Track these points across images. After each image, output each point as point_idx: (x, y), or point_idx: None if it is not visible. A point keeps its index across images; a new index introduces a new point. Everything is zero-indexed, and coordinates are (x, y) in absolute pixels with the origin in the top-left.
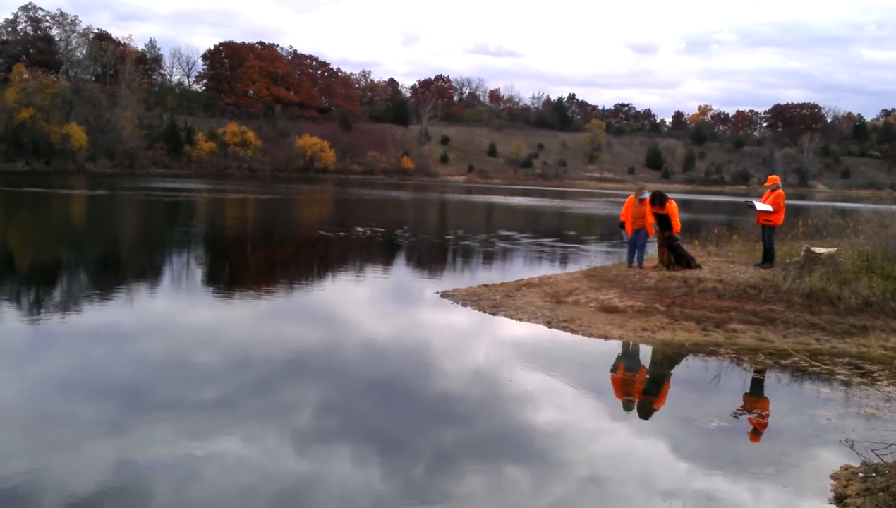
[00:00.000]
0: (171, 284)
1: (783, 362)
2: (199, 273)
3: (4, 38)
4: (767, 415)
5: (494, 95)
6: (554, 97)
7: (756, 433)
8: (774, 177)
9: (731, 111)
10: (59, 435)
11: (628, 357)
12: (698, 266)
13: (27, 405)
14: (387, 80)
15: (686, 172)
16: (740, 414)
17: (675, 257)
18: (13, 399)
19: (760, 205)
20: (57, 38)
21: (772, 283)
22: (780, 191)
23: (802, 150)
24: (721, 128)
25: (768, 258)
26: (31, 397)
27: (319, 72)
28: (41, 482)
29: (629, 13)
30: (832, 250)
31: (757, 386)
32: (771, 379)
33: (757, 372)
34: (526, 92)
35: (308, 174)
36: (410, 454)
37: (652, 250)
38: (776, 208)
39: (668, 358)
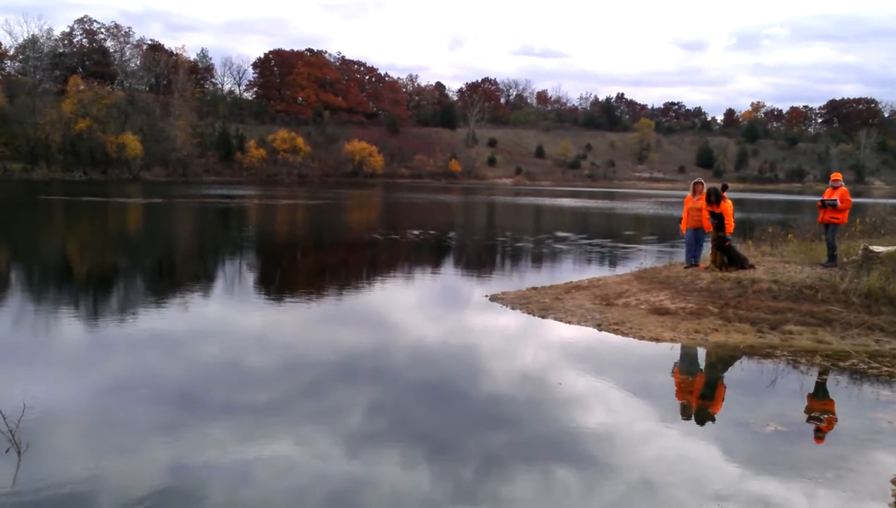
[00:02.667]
0: (225, 288)
1: (841, 364)
2: (253, 277)
3: (61, 50)
4: (826, 419)
5: (542, 97)
6: (602, 97)
7: (814, 437)
8: (837, 174)
9: (785, 107)
10: (117, 438)
11: (681, 360)
12: (752, 266)
13: (87, 408)
14: (434, 83)
15: (738, 170)
16: (798, 418)
17: (728, 258)
18: (74, 402)
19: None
20: (112, 50)
21: (829, 283)
22: (844, 188)
23: (859, 146)
24: (774, 124)
25: (833, 257)
26: (91, 400)
27: (367, 77)
28: (100, 483)
29: (676, 10)
30: (891, 249)
31: (815, 389)
32: (829, 381)
33: (814, 374)
34: (573, 92)
35: (357, 179)
36: (460, 456)
37: (704, 251)
38: (845, 205)
39: (722, 361)
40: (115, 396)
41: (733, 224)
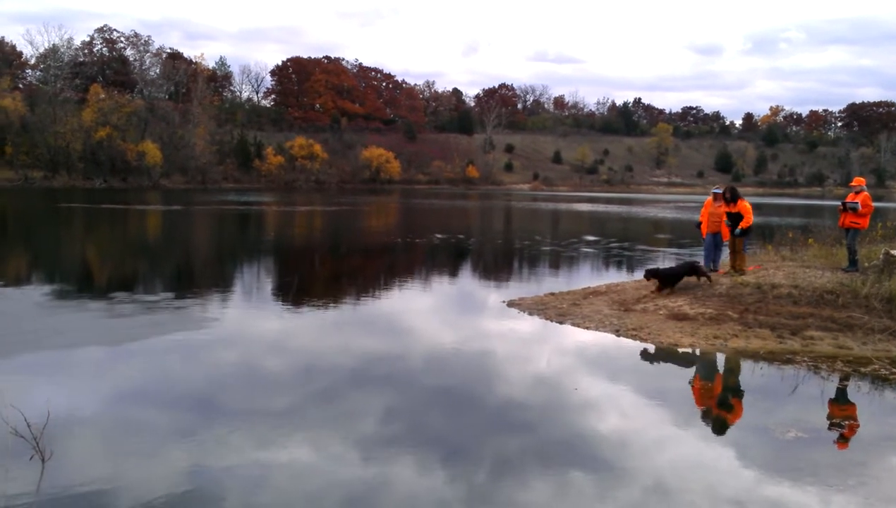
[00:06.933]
0: (244, 294)
1: (863, 370)
2: (275, 282)
3: (82, 59)
4: (847, 425)
5: (559, 102)
6: (619, 102)
7: (836, 443)
8: (860, 179)
9: (804, 111)
10: (137, 443)
11: (700, 365)
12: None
13: (108, 414)
14: (450, 89)
15: (758, 175)
16: (819, 424)
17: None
18: (95, 408)
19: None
20: (131, 59)
21: (850, 288)
22: (866, 193)
23: (879, 150)
24: (794, 128)
25: (854, 262)
26: (112, 406)
27: (384, 84)
28: (120, 489)
29: (690, 15)
30: None
31: (836, 396)
32: (850, 387)
33: (836, 380)
34: (591, 97)
35: (374, 185)
36: (475, 461)
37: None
38: (867, 210)
39: (741, 367)
40: (135, 402)
41: (751, 221)
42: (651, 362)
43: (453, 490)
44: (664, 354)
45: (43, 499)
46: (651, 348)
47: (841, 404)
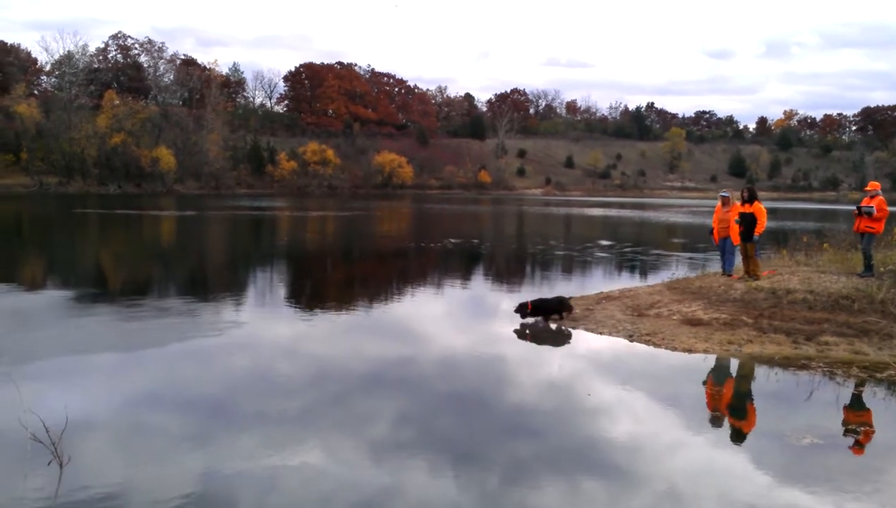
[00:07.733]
0: (259, 299)
1: (879, 375)
2: (290, 288)
3: (96, 66)
4: (864, 431)
5: (571, 107)
6: (631, 106)
7: (852, 450)
8: (875, 183)
9: (818, 115)
10: (151, 446)
11: (714, 371)
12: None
13: (125, 419)
14: (462, 95)
15: (772, 179)
16: (834, 430)
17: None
18: (112, 413)
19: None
20: (145, 65)
21: (865, 293)
22: (881, 197)
23: (894, 154)
24: (808, 132)
25: (869, 267)
26: (128, 411)
27: (396, 89)
28: (136, 493)
29: (703, 18)
30: None
31: (852, 401)
32: (866, 393)
33: (851, 386)
34: (603, 102)
35: (386, 190)
36: (487, 465)
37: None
38: (882, 214)
39: (756, 373)
40: (151, 406)
41: (764, 224)
42: (664, 367)
43: (465, 495)
44: (678, 359)
45: (61, 504)
46: (665, 353)
47: (856, 410)
